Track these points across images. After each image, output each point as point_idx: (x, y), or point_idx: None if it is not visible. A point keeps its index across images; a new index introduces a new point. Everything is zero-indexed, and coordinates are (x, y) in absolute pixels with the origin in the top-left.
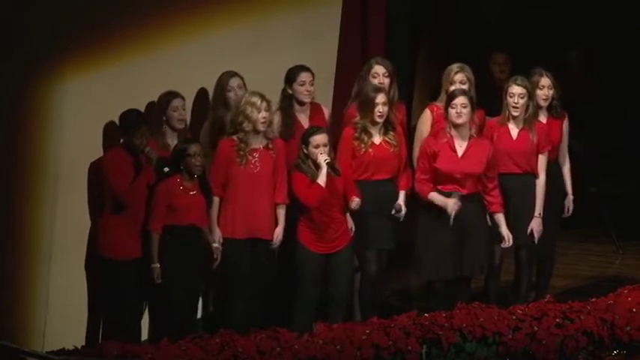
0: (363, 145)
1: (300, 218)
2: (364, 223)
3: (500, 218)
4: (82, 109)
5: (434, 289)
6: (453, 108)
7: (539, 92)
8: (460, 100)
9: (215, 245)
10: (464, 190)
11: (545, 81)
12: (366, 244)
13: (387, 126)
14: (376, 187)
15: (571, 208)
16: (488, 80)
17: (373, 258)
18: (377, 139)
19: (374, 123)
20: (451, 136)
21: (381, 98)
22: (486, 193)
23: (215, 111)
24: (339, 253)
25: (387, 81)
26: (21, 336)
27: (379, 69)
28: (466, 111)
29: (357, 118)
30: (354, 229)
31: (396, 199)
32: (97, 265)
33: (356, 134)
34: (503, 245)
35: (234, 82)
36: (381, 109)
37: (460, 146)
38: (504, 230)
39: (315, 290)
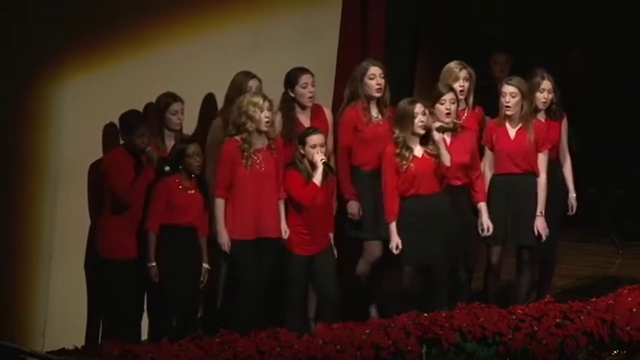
0: (404, 162)
1: (290, 220)
2: (409, 238)
3: (483, 207)
4: (82, 109)
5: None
6: (442, 104)
7: (539, 95)
8: (450, 95)
9: (205, 266)
10: (457, 180)
11: (546, 84)
12: (411, 260)
13: (427, 136)
14: (424, 202)
15: (575, 206)
16: (488, 80)
17: (410, 273)
18: (418, 152)
19: (415, 134)
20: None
21: (419, 108)
22: (471, 182)
23: (229, 109)
24: (321, 254)
25: (383, 82)
26: (21, 336)
27: (376, 70)
28: (454, 107)
29: (397, 133)
30: (400, 245)
31: (446, 213)
32: (97, 265)
33: (397, 150)
34: (482, 234)
35: (253, 83)
36: (422, 118)
37: (445, 138)
38: (485, 219)
39: (302, 291)
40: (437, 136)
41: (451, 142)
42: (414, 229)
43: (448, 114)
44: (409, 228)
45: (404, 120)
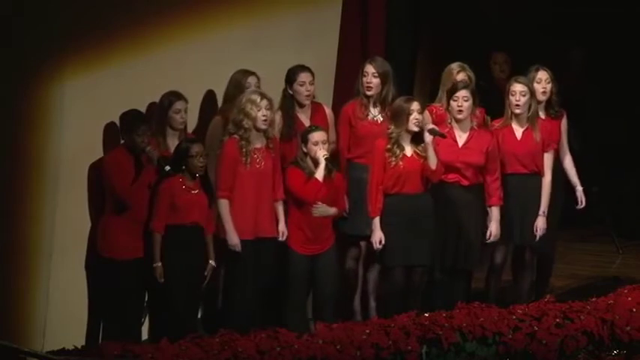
0: (394, 158)
1: (291, 219)
2: (394, 238)
3: (494, 212)
4: (82, 109)
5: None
6: (454, 101)
7: (536, 86)
8: (462, 93)
9: (211, 263)
10: (465, 180)
11: (542, 74)
12: (393, 260)
13: (419, 137)
14: (407, 201)
15: (584, 199)
16: (488, 80)
17: (400, 274)
18: (408, 151)
19: (409, 132)
20: (452, 126)
21: (415, 106)
22: (487, 185)
23: (228, 107)
24: (324, 254)
25: (375, 81)
26: (21, 336)
27: (369, 68)
28: (467, 105)
29: (392, 129)
30: (383, 240)
31: (428, 214)
32: (97, 265)
33: (388, 146)
34: (486, 240)
35: (252, 80)
36: (417, 116)
37: (460, 137)
38: (493, 225)
39: (304, 290)
40: (427, 138)
41: (466, 142)
42: (399, 229)
43: (460, 111)
44: (394, 228)
45: (399, 117)
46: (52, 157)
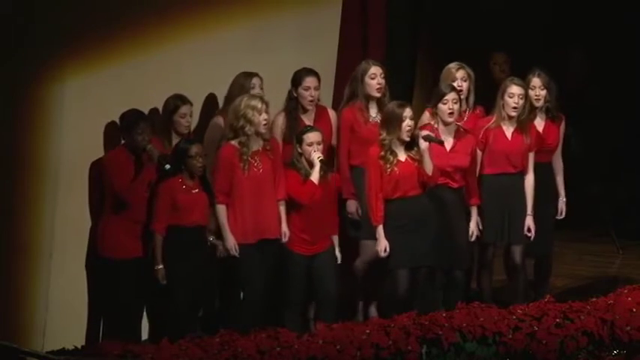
0: (388, 165)
1: (288, 220)
2: (398, 241)
3: (474, 212)
4: (82, 109)
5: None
6: (444, 104)
7: (530, 92)
8: (452, 95)
9: (211, 240)
10: (454, 183)
11: (535, 81)
12: (400, 262)
13: (412, 142)
14: (409, 204)
15: (564, 210)
16: (488, 80)
17: (404, 276)
18: (402, 156)
19: (401, 140)
20: (438, 130)
21: (407, 112)
22: (468, 185)
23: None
24: (322, 254)
25: (383, 82)
26: (21, 336)
27: (377, 70)
28: (457, 107)
29: (384, 135)
30: (388, 248)
31: (430, 215)
32: (96, 264)
33: (382, 153)
34: (470, 239)
35: (256, 81)
36: (409, 123)
37: (447, 140)
38: (473, 224)
39: (301, 291)
40: (423, 145)
41: (453, 145)
42: (403, 232)
43: (451, 114)
44: (397, 231)
45: (392, 123)
46: (52, 156)
